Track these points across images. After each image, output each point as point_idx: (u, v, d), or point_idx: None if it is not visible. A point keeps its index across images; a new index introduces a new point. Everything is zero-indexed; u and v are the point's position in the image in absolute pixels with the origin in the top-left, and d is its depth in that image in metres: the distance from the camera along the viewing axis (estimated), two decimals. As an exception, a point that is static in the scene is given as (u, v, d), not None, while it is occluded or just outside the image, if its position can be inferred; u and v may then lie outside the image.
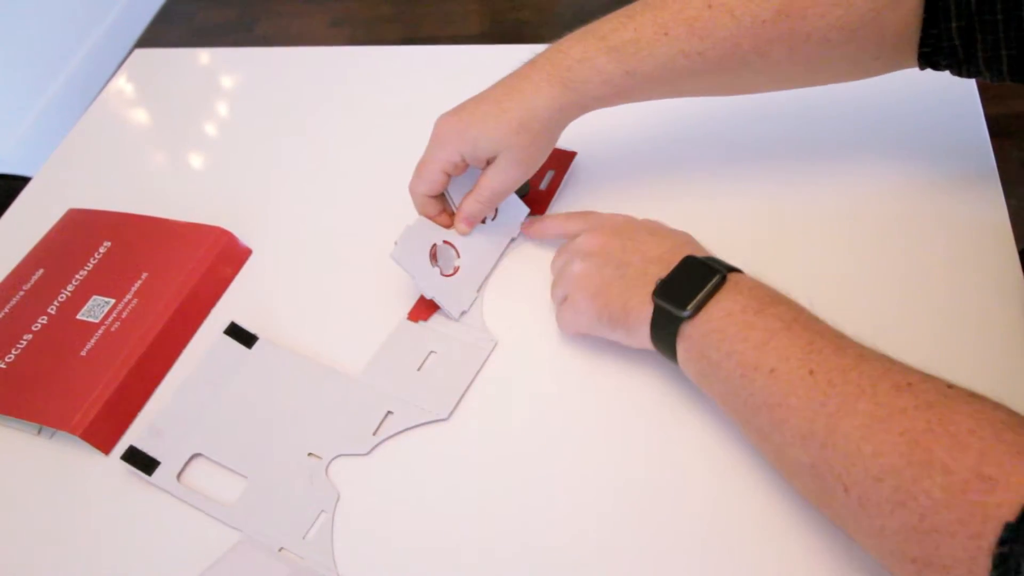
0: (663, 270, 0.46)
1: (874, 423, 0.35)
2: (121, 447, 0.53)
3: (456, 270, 0.55)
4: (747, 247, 0.55)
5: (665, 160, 0.62)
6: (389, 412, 0.51)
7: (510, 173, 0.52)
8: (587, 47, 0.49)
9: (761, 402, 0.39)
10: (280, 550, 0.46)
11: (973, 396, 0.35)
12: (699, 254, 0.46)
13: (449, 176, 0.53)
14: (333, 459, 0.50)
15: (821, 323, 0.41)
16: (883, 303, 0.51)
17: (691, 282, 0.44)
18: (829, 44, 0.47)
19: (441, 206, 0.55)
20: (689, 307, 0.42)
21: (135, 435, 0.52)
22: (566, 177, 0.61)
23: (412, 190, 0.55)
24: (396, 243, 0.53)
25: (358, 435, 0.50)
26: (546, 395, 0.51)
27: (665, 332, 0.44)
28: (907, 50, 0.47)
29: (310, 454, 0.50)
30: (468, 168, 0.54)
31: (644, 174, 0.61)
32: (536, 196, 0.60)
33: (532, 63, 0.51)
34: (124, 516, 0.50)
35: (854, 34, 0.46)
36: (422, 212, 0.55)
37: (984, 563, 0.30)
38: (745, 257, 0.55)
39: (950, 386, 0.36)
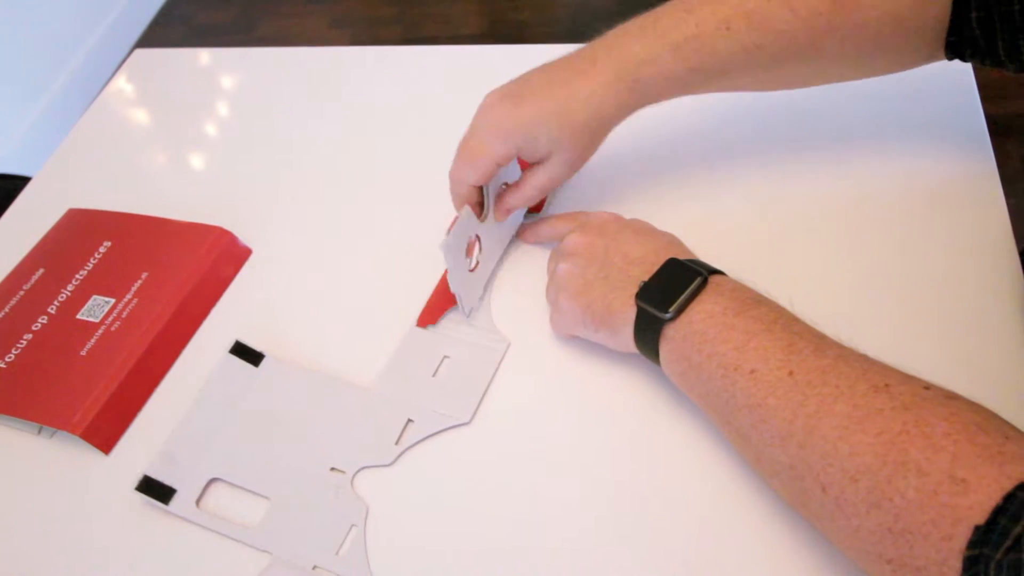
0: (646, 272, 0.46)
1: (851, 424, 0.35)
2: (121, 446, 0.53)
3: (477, 265, 0.55)
4: (744, 245, 0.55)
5: (662, 158, 0.62)
6: (410, 420, 0.50)
7: (559, 173, 0.52)
8: (651, 46, 0.49)
9: (742, 403, 0.39)
10: (314, 568, 0.45)
11: (949, 397, 0.35)
12: (682, 256, 0.46)
13: (499, 168, 0.52)
14: (357, 472, 0.49)
15: (801, 324, 0.41)
16: (882, 301, 0.51)
17: (673, 284, 0.44)
18: (879, 36, 0.47)
19: (479, 195, 0.54)
20: (671, 309, 0.42)
21: (148, 464, 0.50)
22: None
23: (460, 178, 0.52)
24: (449, 232, 0.50)
25: (380, 446, 0.49)
26: (564, 393, 0.51)
27: (648, 334, 0.44)
28: (940, 42, 0.48)
29: (333, 469, 0.49)
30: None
31: (642, 171, 0.61)
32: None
33: (593, 60, 0.50)
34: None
35: (901, 25, 0.47)
36: (465, 200, 0.52)
37: (955, 565, 0.31)
38: (742, 255, 0.55)
39: (927, 387, 0.36)
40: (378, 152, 0.69)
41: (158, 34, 2.25)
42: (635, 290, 0.45)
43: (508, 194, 0.55)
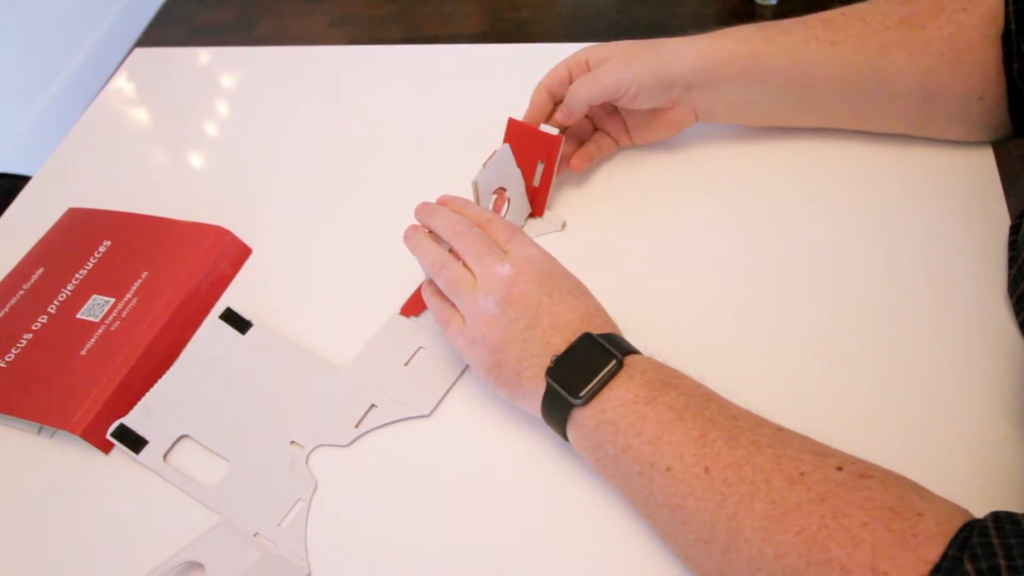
0: (564, 342, 0.44)
1: (771, 524, 0.35)
2: (120, 446, 0.53)
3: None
4: (737, 244, 0.55)
5: (658, 161, 0.62)
6: (373, 405, 0.51)
7: (619, 73, 0.56)
8: (741, 27, 0.56)
9: (662, 502, 0.39)
10: (255, 535, 0.47)
11: (863, 476, 0.35)
12: (599, 328, 0.45)
13: (570, 74, 0.58)
14: (314, 449, 0.50)
15: (713, 405, 0.41)
16: (881, 302, 0.51)
17: (587, 365, 0.43)
18: (943, 59, 0.51)
19: (551, 107, 0.59)
20: (582, 394, 0.42)
21: (127, 415, 0.52)
22: (557, 164, 0.60)
23: (539, 84, 0.59)
24: (485, 165, 0.53)
25: (341, 426, 0.51)
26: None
27: (556, 413, 0.43)
28: (1004, 101, 0.52)
29: (293, 442, 0.50)
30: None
31: (636, 174, 0.61)
32: (531, 192, 0.60)
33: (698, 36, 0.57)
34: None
35: (962, 56, 0.51)
36: (533, 102, 0.59)
37: None
38: (737, 256, 0.55)
39: (840, 467, 0.36)
40: (378, 151, 0.69)
41: (158, 34, 2.25)
42: (548, 363, 0.44)
43: (579, 79, 0.58)
